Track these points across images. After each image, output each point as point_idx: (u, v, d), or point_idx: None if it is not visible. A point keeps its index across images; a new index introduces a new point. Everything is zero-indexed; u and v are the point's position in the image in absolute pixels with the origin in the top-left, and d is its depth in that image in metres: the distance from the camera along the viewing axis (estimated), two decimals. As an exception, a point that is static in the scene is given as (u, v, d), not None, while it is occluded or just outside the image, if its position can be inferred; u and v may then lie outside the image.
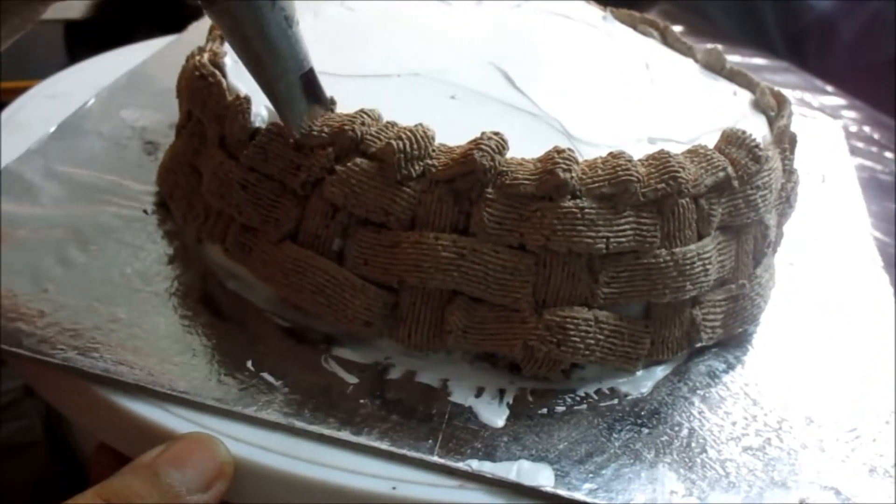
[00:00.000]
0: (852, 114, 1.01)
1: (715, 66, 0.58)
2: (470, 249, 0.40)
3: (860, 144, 0.93)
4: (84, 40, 0.63)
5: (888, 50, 1.18)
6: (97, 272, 0.43)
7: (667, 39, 0.61)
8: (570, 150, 0.40)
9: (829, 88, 1.06)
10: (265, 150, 0.42)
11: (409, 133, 0.40)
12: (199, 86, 0.45)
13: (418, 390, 0.40)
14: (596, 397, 0.42)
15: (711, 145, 0.44)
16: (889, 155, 0.92)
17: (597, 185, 0.40)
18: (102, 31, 0.76)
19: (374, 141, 0.40)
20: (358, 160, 0.40)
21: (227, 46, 0.47)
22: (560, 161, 0.39)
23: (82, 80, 0.60)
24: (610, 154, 0.41)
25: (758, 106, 0.54)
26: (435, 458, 0.37)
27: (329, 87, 0.42)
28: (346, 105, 0.42)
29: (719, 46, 0.59)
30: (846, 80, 1.09)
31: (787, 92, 0.50)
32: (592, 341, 0.41)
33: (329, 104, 0.42)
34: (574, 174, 0.39)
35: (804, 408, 0.43)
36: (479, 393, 0.41)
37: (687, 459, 0.39)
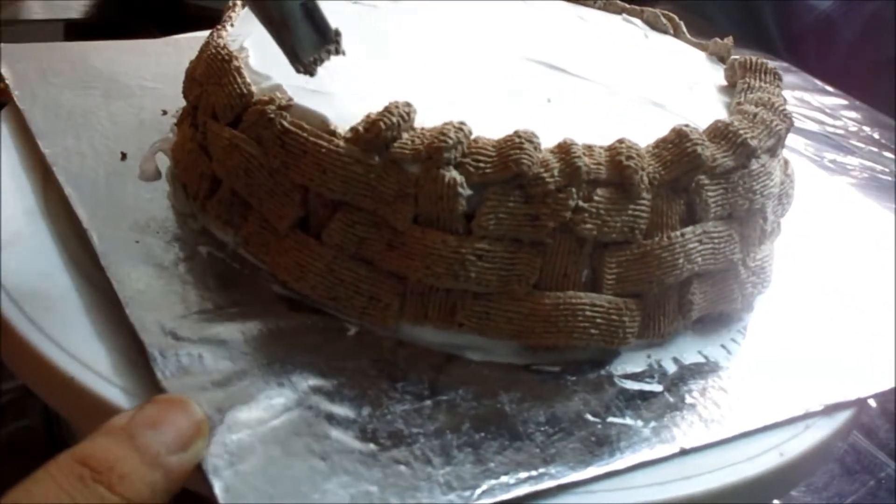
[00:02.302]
0: (852, 114, 1.03)
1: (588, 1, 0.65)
2: (703, 234, 0.43)
3: (860, 144, 0.96)
4: (84, 40, 0.58)
5: (888, 50, 1.19)
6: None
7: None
8: (733, 119, 0.45)
9: (830, 88, 1.08)
10: (495, 214, 0.40)
11: (628, 149, 0.42)
12: (357, 171, 0.40)
13: (701, 371, 0.44)
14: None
15: (708, 79, 0.52)
16: (889, 155, 0.95)
17: (764, 140, 0.46)
18: (102, 31, 0.66)
19: (597, 167, 0.41)
20: (599, 191, 0.41)
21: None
22: (741, 130, 0.44)
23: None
24: (740, 111, 0.47)
25: (656, 28, 0.62)
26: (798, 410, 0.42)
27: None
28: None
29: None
30: (846, 80, 1.11)
31: (786, 92, 0.51)
32: (773, 269, 0.48)
33: (334, 36, 0.41)
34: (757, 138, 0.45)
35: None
36: (728, 350, 0.46)
37: None
